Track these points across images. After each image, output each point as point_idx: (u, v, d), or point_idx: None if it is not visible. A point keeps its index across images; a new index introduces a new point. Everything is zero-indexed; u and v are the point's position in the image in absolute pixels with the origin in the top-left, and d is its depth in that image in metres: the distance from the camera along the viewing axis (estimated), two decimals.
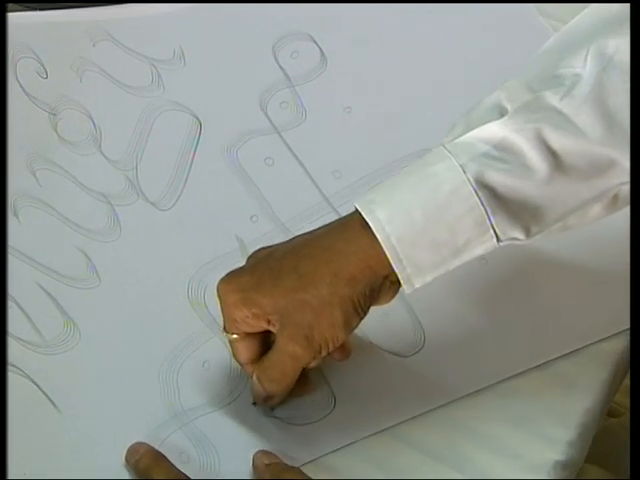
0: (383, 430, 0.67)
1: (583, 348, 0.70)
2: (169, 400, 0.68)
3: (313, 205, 0.77)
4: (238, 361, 0.67)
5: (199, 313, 0.71)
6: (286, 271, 0.62)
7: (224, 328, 0.65)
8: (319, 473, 0.64)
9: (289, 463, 0.64)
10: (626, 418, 0.94)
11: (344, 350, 0.68)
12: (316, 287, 0.61)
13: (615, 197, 0.61)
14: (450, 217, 0.60)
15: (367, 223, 0.60)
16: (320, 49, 0.85)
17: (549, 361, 0.69)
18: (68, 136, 0.80)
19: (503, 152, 0.60)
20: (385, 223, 0.60)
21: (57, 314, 0.71)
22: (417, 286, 0.62)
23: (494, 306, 0.71)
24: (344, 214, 0.74)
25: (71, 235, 0.75)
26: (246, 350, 0.66)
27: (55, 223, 0.75)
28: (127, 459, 0.65)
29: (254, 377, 0.66)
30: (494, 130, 0.61)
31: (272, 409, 0.67)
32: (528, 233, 0.61)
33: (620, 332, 0.70)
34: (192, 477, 0.64)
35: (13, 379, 0.68)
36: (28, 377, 0.68)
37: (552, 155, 0.59)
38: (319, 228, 0.64)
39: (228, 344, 0.68)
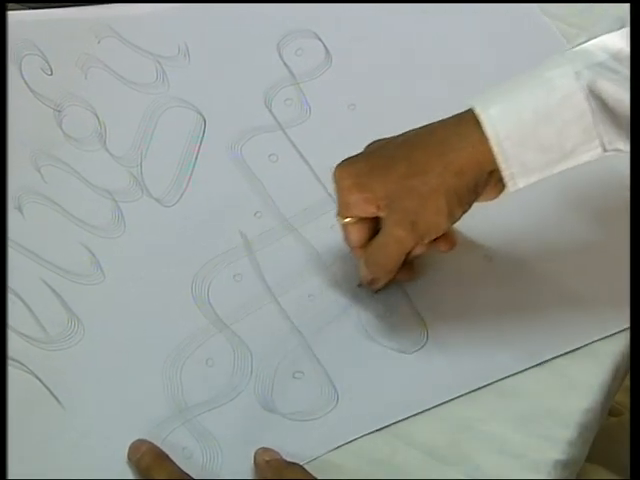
0: (384, 428, 0.67)
1: (583, 348, 0.69)
2: (172, 396, 0.68)
3: (317, 201, 0.77)
4: (348, 245, 0.70)
5: (203, 310, 0.71)
6: (399, 159, 0.65)
7: (338, 212, 0.69)
8: (320, 472, 0.64)
9: (292, 460, 0.65)
10: (626, 417, 0.94)
11: (448, 241, 0.70)
12: (426, 175, 0.64)
13: None
14: (559, 121, 0.62)
15: (480, 120, 0.63)
16: (325, 46, 0.85)
17: (549, 361, 0.69)
18: (73, 132, 0.80)
19: (618, 63, 0.61)
20: (496, 120, 0.62)
21: (61, 310, 0.71)
22: (521, 186, 0.64)
23: (496, 304, 0.71)
24: None
25: (75, 231, 0.75)
26: (356, 234, 0.69)
27: (60, 219, 0.75)
28: (129, 457, 0.65)
29: (361, 260, 0.70)
30: (614, 40, 0.62)
31: (375, 292, 0.71)
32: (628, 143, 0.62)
33: (620, 332, 0.70)
34: (194, 473, 0.64)
35: (17, 375, 0.68)
36: (32, 373, 0.68)
37: None
38: (433, 123, 0.66)
39: (229, 341, 0.69)
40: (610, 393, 0.69)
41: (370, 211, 0.67)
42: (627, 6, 0.63)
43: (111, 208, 0.76)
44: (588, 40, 0.64)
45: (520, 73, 0.65)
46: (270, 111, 0.81)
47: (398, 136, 0.68)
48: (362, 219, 0.68)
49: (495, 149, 0.63)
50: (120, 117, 0.81)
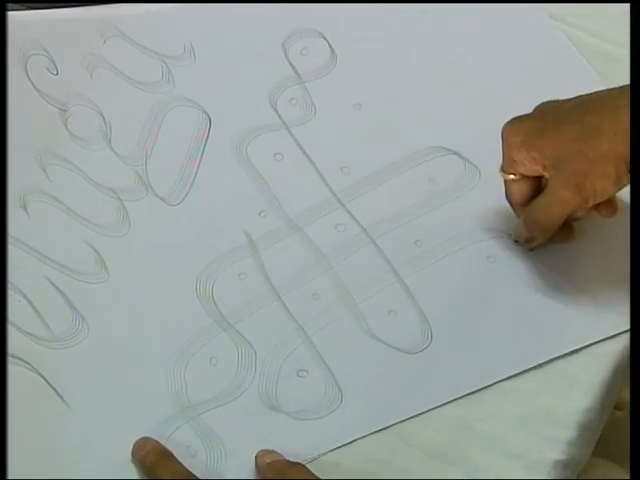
0: (385, 428, 0.67)
1: (583, 348, 0.69)
2: (176, 394, 0.68)
3: (322, 201, 0.77)
4: (510, 201, 0.72)
5: (207, 309, 0.71)
6: (570, 121, 0.66)
7: (501, 168, 0.70)
8: (319, 471, 0.64)
9: (295, 458, 0.65)
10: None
11: (611, 206, 0.70)
12: (597, 140, 0.65)
13: None
14: None
15: None
16: (330, 46, 0.85)
17: (549, 361, 0.69)
18: (78, 132, 0.80)
19: None
20: None
21: (66, 308, 0.71)
22: None
23: (500, 304, 0.71)
24: (353, 210, 0.76)
25: (80, 230, 0.75)
26: (519, 191, 0.71)
27: (65, 218, 0.75)
28: (133, 455, 0.65)
29: (521, 218, 0.71)
30: None
31: (531, 250, 0.73)
32: None
33: (620, 332, 0.70)
34: (198, 471, 0.64)
35: (21, 373, 0.68)
36: (36, 371, 0.68)
37: None
38: (606, 89, 0.67)
39: (233, 340, 0.69)
40: (610, 393, 0.69)
41: (536, 170, 0.68)
42: (627, 6, 0.63)
43: (116, 207, 0.76)
44: None
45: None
46: (275, 110, 0.82)
47: (571, 99, 0.68)
48: (525, 177, 0.70)
49: None
50: (125, 116, 0.81)
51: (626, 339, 0.69)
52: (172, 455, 0.65)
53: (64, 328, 0.70)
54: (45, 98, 0.82)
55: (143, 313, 0.71)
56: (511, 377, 0.68)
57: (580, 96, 0.68)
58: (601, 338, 0.69)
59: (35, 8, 0.86)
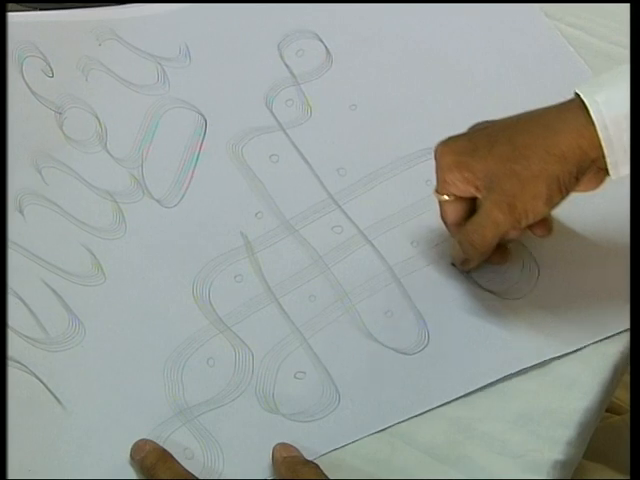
0: (384, 429, 0.67)
1: (583, 348, 0.69)
2: (174, 397, 0.68)
3: (318, 202, 0.77)
4: (445, 222, 0.72)
5: (204, 310, 0.71)
6: (502, 142, 0.66)
7: (436, 189, 0.70)
8: None
9: None
10: (629, 416, 0.94)
11: (545, 226, 0.70)
12: (528, 160, 0.64)
13: None
14: None
15: (586, 105, 0.62)
16: (326, 47, 0.85)
17: (549, 361, 0.69)
18: (74, 134, 0.80)
19: None
20: (602, 106, 0.62)
21: (62, 311, 0.71)
22: (622, 174, 0.64)
23: (496, 304, 0.71)
24: (349, 211, 0.76)
25: (77, 233, 0.75)
26: (453, 212, 0.70)
27: (61, 221, 0.75)
28: (132, 456, 0.65)
29: (455, 240, 0.71)
30: None
31: (467, 272, 0.72)
32: None
33: (620, 332, 0.70)
34: (196, 473, 0.64)
35: (18, 376, 0.68)
36: (33, 374, 0.68)
37: None
38: (537, 109, 0.66)
39: (230, 342, 0.69)
40: (609, 393, 0.69)
41: (468, 191, 0.68)
42: (627, 6, 0.63)
43: (112, 209, 0.76)
44: None
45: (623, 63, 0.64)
46: (271, 112, 0.82)
47: (502, 119, 0.68)
48: (459, 198, 0.69)
49: (601, 134, 0.62)
50: (121, 119, 0.81)
51: (626, 339, 0.69)
52: (171, 456, 0.65)
53: (61, 331, 0.70)
54: (41, 100, 0.81)
55: (140, 315, 0.71)
56: (510, 377, 0.68)
57: (517, 115, 0.67)
58: (600, 338, 0.70)
59: (35, 8, 0.86)
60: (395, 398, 0.68)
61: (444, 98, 0.82)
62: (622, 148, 0.62)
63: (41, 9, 0.86)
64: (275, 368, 0.69)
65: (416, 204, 0.76)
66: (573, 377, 0.68)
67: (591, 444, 0.68)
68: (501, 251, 0.72)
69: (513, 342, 0.70)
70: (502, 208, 0.66)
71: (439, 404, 0.67)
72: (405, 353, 0.70)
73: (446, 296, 0.72)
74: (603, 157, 0.63)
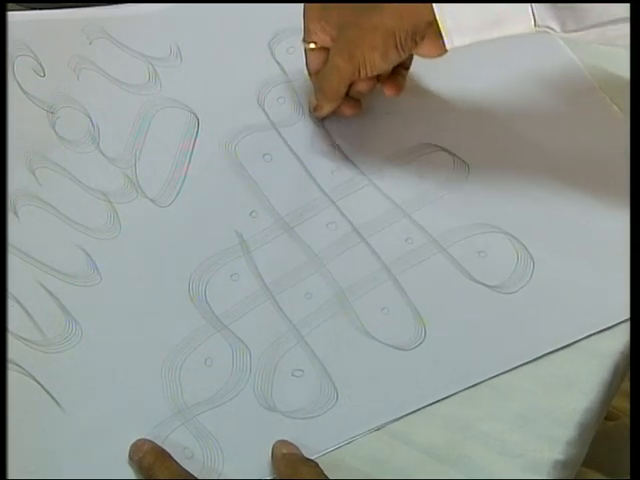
0: (383, 428, 0.67)
1: (582, 347, 0.69)
2: (172, 396, 0.68)
3: (312, 200, 0.77)
4: (308, 71, 0.78)
5: (200, 310, 0.71)
6: None
7: (302, 37, 0.76)
8: None
9: None
10: (623, 421, 0.94)
11: (394, 85, 0.77)
12: (369, 12, 0.69)
13: None
14: None
15: None
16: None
17: (548, 360, 0.69)
18: (66, 134, 0.80)
19: None
20: None
21: (58, 312, 0.71)
22: (456, 44, 0.68)
23: (492, 298, 0.72)
24: (343, 208, 0.76)
25: (71, 233, 0.75)
26: (314, 60, 0.77)
27: (55, 221, 0.75)
28: (131, 456, 0.65)
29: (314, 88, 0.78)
30: None
31: (320, 120, 0.80)
32: (564, 27, 0.66)
33: (620, 332, 0.70)
34: (195, 473, 0.64)
35: (15, 377, 0.68)
36: (30, 375, 0.68)
37: None
38: None
39: (228, 340, 0.70)
40: (610, 392, 0.69)
41: (325, 40, 0.74)
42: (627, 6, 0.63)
43: (106, 209, 0.76)
44: None
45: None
46: (263, 110, 0.81)
47: None
48: (321, 48, 0.75)
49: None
50: (113, 118, 0.81)
51: (626, 338, 0.70)
52: (170, 456, 0.65)
53: (57, 332, 0.70)
54: (32, 100, 0.81)
55: (136, 315, 0.71)
56: (510, 376, 0.69)
57: None
58: (598, 330, 0.70)
59: (34, 8, 0.86)
60: (393, 394, 0.68)
61: (436, 94, 0.82)
62: (453, 17, 0.66)
63: (39, 9, 0.86)
64: (273, 366, 0.69)
65: (410, 200, 0.76)
66: (573, 377, 0.68)
67: None
68: (352, 103, 0.78)
69: (510, 336, 0.70)
70: (343, 55, 0.72)
71: (437, 399, 0.68)
72: (402, 349, 0.70)
73: (442, 292, 0.72)
74: (437, 22, 0.67)
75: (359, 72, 0.72)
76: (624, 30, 0.64)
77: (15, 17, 0.85)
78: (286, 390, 0.68)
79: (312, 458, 0.65)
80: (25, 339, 0.70)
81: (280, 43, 0.85)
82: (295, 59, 0.84)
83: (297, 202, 0.77)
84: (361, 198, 0.77)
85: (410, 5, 0.67)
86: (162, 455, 0.65)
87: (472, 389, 0.68)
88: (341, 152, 0.79)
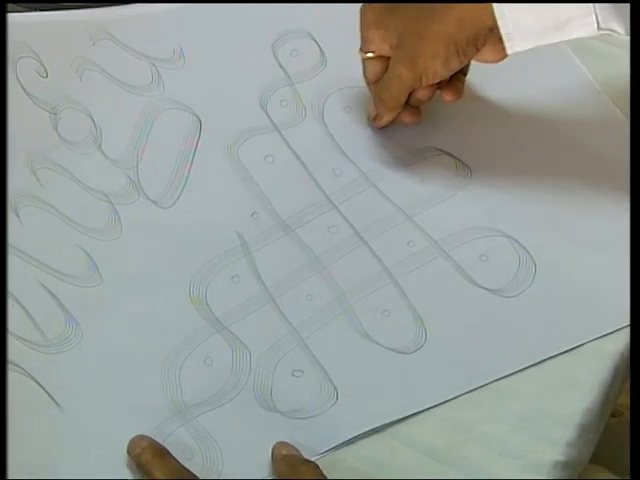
0: (384, 430, 0.67)
1: (583, 348, 0.69)
2: (172, 397, 0.68)
3: (314, 202, 0.77)
4: (366, 80, 0.77)
5: (201, 311, 0.71)
6: (415, 4, 0.70)
7: (360, 47, 0.75)
8: None
9: None
10: (626, 417, 0.94)
11: (455, 91, 0.76)
12: (429, 20, 0.69)
13: None
14: None
15: None
16: (320, 47, 0.85)
17: (549, 361, 0.69)
18: (69, 135, 0.80)
19: None
20: None
21: (59, 312, 0.71)
22: (518, 49, 0.68)
23: (493, 302, 0.71)
24: (345, 211, 0.76)
25: (72, 234, 0.75)
26: (372, 69, 0.75)
27: (56, 222, 0.75)
28: (129, 451, 0.65)
29: (372, 97, 0.77)
30: None
31: (380, 128, 0.79)
32: (627, 30, 0.65)
33: (620, 333, 0.70)
34: (196, 473, 0.64)
35: (15, 378, 0.68)
36: (30, 376, 0.68)
37: None
38: None
39: (228, 341, 0.70)
40: (610, 393, 0.69)
41: (384, 49, 0.73)
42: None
43: (108, 210, 0.76)
44: None
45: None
46: (266, 112, 0.81)
47: None
48: (379, 56, 0.74)
49: (494, 4, 0.66)
50: (116, 120, 0.81)
51: (626, 340, 0.69)
52: (168, 452, 0.65)
53: (58, 332, 0.70)
54: (35, 101, 0.81)
55: (136, 316, 0.71)
56: (510, 377, 0.68)
57: None
58: (600, 336, 0.70)
59: (34, 9, 0.86)
60: (393, 396, 0.68)
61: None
62: (515, 21, 0.66)
63: (40, 9, 0.86)
64: (272, 366, 0.69)
65: (412, 203, 0.76)
66: (573, 378, 0.68)
67: None
68: (412, 111, 0.77)
69: (511, 340, 0.70)
70: (405, 64, 0.71)
71: (437, 403, 0.67)
72: (402, 352, 0.70)
73: (443, 295, 0.72)
74: (498, 27, 0.67)
75: (420, 80, 0.72)
76: None
77: (17, 19, 0.85)
78: (286, 390, 0.68)
79: (311, 459, 0.64)
80: (25, 339, 0.70)
81: (283, 45, 0.85)
82: (298, 62, 0.84)
83: (299, 204, 0.77)
84: (363, 201, 0.77)
85: (471, 10, 0.67)
86: (161, 452, 0.65)
87: (473, 391, 0.68)
88: (344, 155, 0.79)
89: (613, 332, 0.70)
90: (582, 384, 0.68)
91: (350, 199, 0.77)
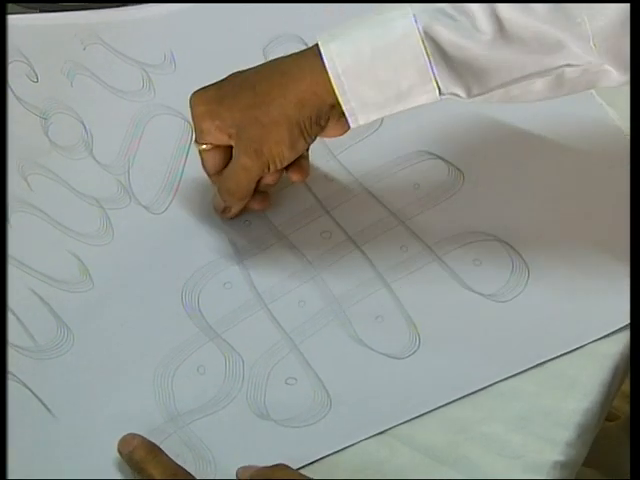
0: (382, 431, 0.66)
1: (583, 349, 0.69)
2: (164, 404, 0.67)
3: (306, 208, 0.76)
4: (206, 172, 0.74)
5: (193, 318, 0.71)
6: (245, 89, 0.69)
7: (194, 139, 0.72)
8: (318, 472, 0.64)
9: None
10: (622, 421, 0.94)
11: (300, 171, 0.73)
12: (267, 106, 0.67)
13: (560, 78, 0.65)
14: (396, 59, 0.64)
15: (320, 53, 0.65)
16: None
17: (548, 361, 0.69)
18: (59, 140, 0.80)
19: (456, 11, 0.64)
20: (335, 54, 0.65)
21: (50, 318, 0.70)
22: (361, 123, 0.67)
23: (486, 307, 0.71)
24: (338, 217, 0.75)
25: (63, 239, 0.74)
26: (212, 160, 0.72)
27: (47, 228, 0.75)
28: (120, 450, 0.64)
29: (216, 189, 0.73)
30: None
31: (229, 219, 0.75)
32: (469, 92, 0.65)
33: (620, 333, 0.70)
34: None
35: (7, 385, 0.67)
36: (22, 382, 0.68)
37: (498, 22, 0.63)
38: (280, 57, 0.70)
39: (220, 349, 0.69)
40: (609, 393, 0.69)
41: (222, 139, 0.70)
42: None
43: (99, 216, 0.76)
44: None
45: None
46: None
47: (252, 67, 0.71)
48: (217, 147, 0.71)
49: (333, 82, 0.65)
50: (106, 125, 0.81)
51: (626, 340, 0.69)
52: (160, 450, 0.64)
53: (49, 338, 0.70)
54: (25, 106, 0.81)
55: (128, 322, 0.71)
56: (510, 378, 0.68)
57: (262, 63, 0.71)
58: (599, 337, 0.69)
59: (34, 8, 0.86)
60: (387, 403, 0.67)
61: (433, 102, 0.82)
62: (356, 95, 0.65)
63: (39, 9, 0.86)
64: (266, 374, 0.68)
65: (405, 208, 0.76)
66: (573, 378, 0.68)
67: None
68: (261, 198, 0.74)
69: (505, 345, 0.69)
70: (249, 154, 0.69)
71: (431, 409, 0.67)
72: (396, 357, 0.69)
73: (436, 300, 0.72)
74: (339, 104, 0.66)
75: (268, 168, 0.70)
76: (527, 87, 0.65)
77: (9, 22, 0.84)
78: (279, 398, 0.68)
79: (305, 464, 0.64)
80: (16, 346, 0.69)
81: (275, 49, 0.85)
82: None
83: (291, 210, 0.76)
84: (356, 206, 0.76)
85: (309, 90, 0.66)
86: (153, 449, 0.64)
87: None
88: (336, 160, 0.79)
89: (613, 333, 0.70)
90: (582, 384, 0.68)
91: (343, 204, 0.77)
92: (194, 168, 0.78)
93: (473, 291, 0.72)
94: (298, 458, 0.65)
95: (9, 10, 0.84)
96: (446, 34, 0.63)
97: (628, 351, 0.69)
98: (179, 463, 0.64)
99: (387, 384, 0.68)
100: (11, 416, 0.65)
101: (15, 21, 0.85)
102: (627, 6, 0.61)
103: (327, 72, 0.65)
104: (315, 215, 0.76)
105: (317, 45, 0.66)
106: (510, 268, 0.73)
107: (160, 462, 0.63)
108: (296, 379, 0.68)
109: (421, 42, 0.64)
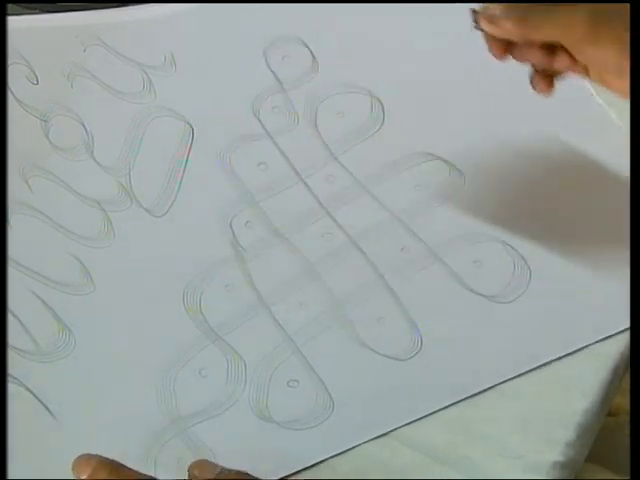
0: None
1: (583, 349, 0.69)
2: (166, 407, 0.67)
3: (307, 209, 0.76)
4: None
5: (195, 320, 0.71)
6: None
7: None
8: (319, 473, 0.64)
9: (288, 468, 0.65)
10: (622, 417, 0.94)
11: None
12: None
13: None
14: None
15: None
16: (311, 53, 0.85)
17: (548, 362, 0.69)
18: (60, 143, 0.79)
19: None
20: None
21: (52, 321, 0.70)
22: None
23: (488, 308, 0.71)
24: (339, 218, 0.76)
25: (65, 242, 0.74)
26: None
27: (48, 230, 0.75)
28: (78, 474, 0.57)
29: None
30: None
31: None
32: None
33: (620, 333, 0.70)
34: None
35: (8, 387, 0.67)
36: (23, 385, 0.68)
37: None
38: None
39: (222, 351, 0.69)
40: (609, 394, 0.69)
41: None
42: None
43: (100, 218, 0.76)
44: None
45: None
46: (258, 119, 0.81)
47: None
48: None
49: None
50: (107, 127, 0.81)
51: (626, 340, 0.69)
52: (123, 465, 0.57)
53: (50, 341, 0.69)
54: (26, 108, 0.81)
55: (130, 325, 0.71)
56: (509, 379, 0.68)
57: None
58: (596, 340, 0.69)
59: (34, 9, 0.86)
60: (389, 404, 0.67)
61: (433, 103, 0.82)
62: None
63: (40, 9, 0.85)
64: (268, 377, 0.68)
65: (406, 209, 0.76)
66: (573, 378, 0.68)
67: None
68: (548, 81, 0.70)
69: (507, 346, 0.69)
70: None
71: (432, 411, 0.67)
72: (398, 359, 0.69)
73: (438, 301, 0.72)
74: None
75: None
76: None
77: (9, 24, 0.84)
78: (281, 400, 0.67)
79: (307, 466, 0.65)
80: (18, 349, 0.69)
81: (275, 51, 0.85)
82: (290, 68, 0.84)
83: (292, 212, 0.76)
84: (357, 207, 0.76)
85: None
86: (116, 467, 0.56)
87: None
88: (337, 161, 0.79)
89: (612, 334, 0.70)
90: (582, 384, 0.68)
91: (344, 205, 0.77)
92: (195, 170, 0.78)
93: (474, 292, 0.72)
94: (300, 460, 0.65)
95: (9, 10, 0.83)
96: None
97: (628, 351, 0.69)
98: (181, 467, 0.64)
99: (389, 386, 0.68)
100: (12, 419, 0.65)
101: (15, 23, 0.85)
102: None
103: None
104: (316, 216, 0.76)
105: None
106: (512, 269, 0.73)
107: (128, 478, 0.56)
108: (298, 381, 0.68)
109: None
